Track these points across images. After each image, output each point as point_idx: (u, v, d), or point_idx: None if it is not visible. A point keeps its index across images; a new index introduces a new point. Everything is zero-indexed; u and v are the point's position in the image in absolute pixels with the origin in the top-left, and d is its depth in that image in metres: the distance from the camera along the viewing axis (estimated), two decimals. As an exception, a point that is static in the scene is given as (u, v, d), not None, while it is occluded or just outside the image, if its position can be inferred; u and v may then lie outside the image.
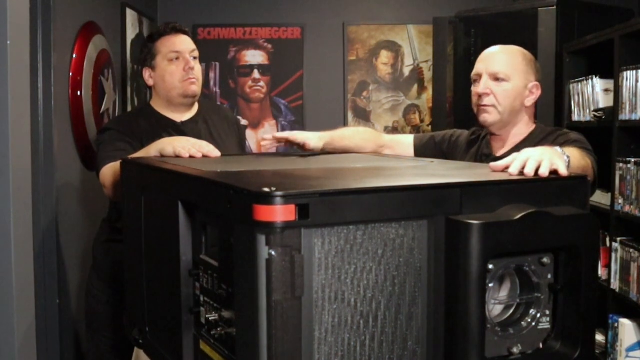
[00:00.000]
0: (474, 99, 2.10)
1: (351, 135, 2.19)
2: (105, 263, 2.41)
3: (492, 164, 1.42)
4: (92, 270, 2.50)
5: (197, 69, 2.35)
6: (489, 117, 2.06)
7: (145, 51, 2.37)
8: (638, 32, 3.06)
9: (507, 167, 1.37)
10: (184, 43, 2.34)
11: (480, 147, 2.16)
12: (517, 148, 1.97)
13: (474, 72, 2.11)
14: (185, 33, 2.37)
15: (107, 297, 2.41)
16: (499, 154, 2.07)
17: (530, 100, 2.08)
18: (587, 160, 1.78)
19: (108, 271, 2.40)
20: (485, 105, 2.06)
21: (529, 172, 1.32)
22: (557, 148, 1.56)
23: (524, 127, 2.10)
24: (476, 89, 2.09)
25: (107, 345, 2.44)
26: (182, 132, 2.28)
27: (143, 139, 2.23)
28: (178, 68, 2.30)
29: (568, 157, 1.55)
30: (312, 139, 2.05)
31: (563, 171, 1.33)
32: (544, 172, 1.32)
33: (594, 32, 3.46)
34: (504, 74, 2.04)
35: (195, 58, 2.35)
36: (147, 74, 2.37)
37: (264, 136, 2.05)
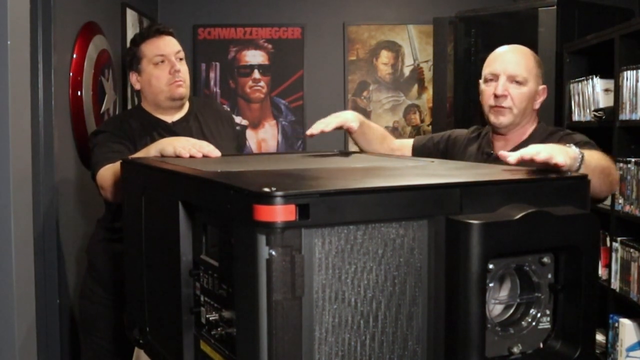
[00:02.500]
0: (488, 99, 2.08)
1: (376, 128, 2.27)
2: (99, 264, 2.40)
3: (503, 152, 1.45)
4: (87, 272, 2.49)
5: (184, 70, 2.33)
6: (504, 119, 2.06)
7: (130, 54, 2.35)
8: (638, 32, 3.06)
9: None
10: (168, 45, 2.32)
11: (481, 145, 2.16)
12: (520, 147, 1.96)
13: (489, 71, 2.09)
14: (169, 34, 2.35)
15: (101, 298, 2.39)
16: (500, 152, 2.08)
17: (538, 103, 2.10)
18: (608, 161, 1.78)
19: (102, 272, 2.38)
20: (501, 107, 2.05)
21: (532, 156, 1.38)
22: (571, 146, 1.56)
23: (526, 127, 2.11)
24: (490, 88, 2.07)
25: (101, 347, 2.42)
26: (173, 132, 2.27)
27: (135, 140, 2.23)
28: (163, 71, 2.29)
29: (582, 153, 1.55)
30: (352, 120, 2.08)
31: (562, 163, 1.38)
32: (542, 157, 1.38)
33: (594, 32, 3.46)
34: (522, 77, 2.04)
35: (180, 59, 2.33)
36: (133, 77, 2.36)
37: (307, 132, 2.00)
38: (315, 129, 1.99)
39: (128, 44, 3.15)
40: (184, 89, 2.32)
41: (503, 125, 2.07)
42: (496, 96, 2.05)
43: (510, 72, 2.04)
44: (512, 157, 1.42)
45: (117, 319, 2.34)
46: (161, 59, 2.29)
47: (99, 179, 2.12)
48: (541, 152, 1.40)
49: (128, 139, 2.23)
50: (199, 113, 2.40)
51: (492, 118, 2.08)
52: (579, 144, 1.87)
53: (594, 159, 1.65)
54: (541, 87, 2.10)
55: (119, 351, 2.37)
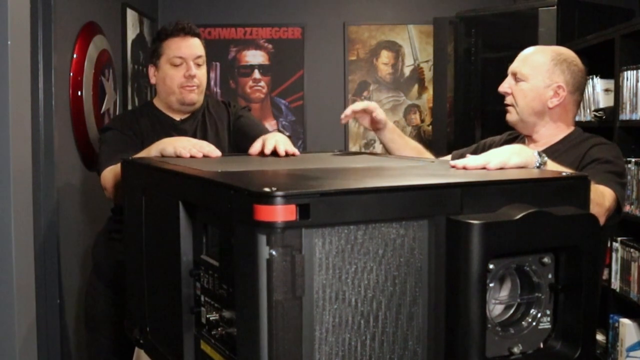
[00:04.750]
0: None
1: (409, 140, 2.25)
2: (105, 263, 2.41)
3: (453, 161, 1.47)
4: (92, 271, 2.49)
5: (200, 74, 2.31)
6: (509, 116, 2.09)
7: (153, 48, 2.35)
8: (638, 32, 3.06)
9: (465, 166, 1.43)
10: (189, 48, 2.30)
11: None
12: (550, 150, 1.94)
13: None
14: (195, 35, 2.33)
15: (106, 297, 2.40)
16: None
17: (554, 102, 2.02)
18: (602, 193, 1.75)
19: (108, 271, 2.39)
20: (506, 104, 2.08)
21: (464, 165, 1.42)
22: (535, 151, 1.56)
23: (553, 129, 2.05)
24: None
25: (107, 346, 2.43)
26: (180, 130, 2.27)
27: (144, 138, 2.22)
28: (179, 73, 2.28)
29: (542, 159, 1.55)
30: (376, 109, 2.09)
31: (496, 165, 1.41)
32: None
33: (594, 32, 3.46)
34: (522, 74, 2.03)
35: (199, 65, 2.31)
36: (151, 71, 2.35)
37: (346, 113, 2.09)
38: (346, 112, 2.08)
39: (130, 44, 3.13)
40: (196, 95, 2.31)
41: (510, 122, 2.09)
42: (502, 94, 2.10)
43: (513, 69, 2.07)
44: (451, 163, 1.47)
45: (121, 317, 2.35)
46: (179, 61, 2.28)
47: (103, 180, 2.12)
48: (476, 159, 1.44)
49: (136, 137, 2.22)
50: (206, 113, 2.39)
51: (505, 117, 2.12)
52: (595, 163, 1.87)
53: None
54: (555, 84, 2.01)
55: (126, 350, 2.37)
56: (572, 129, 2.08)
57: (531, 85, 2.03)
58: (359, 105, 2.08)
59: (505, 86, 2.07)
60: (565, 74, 2.03)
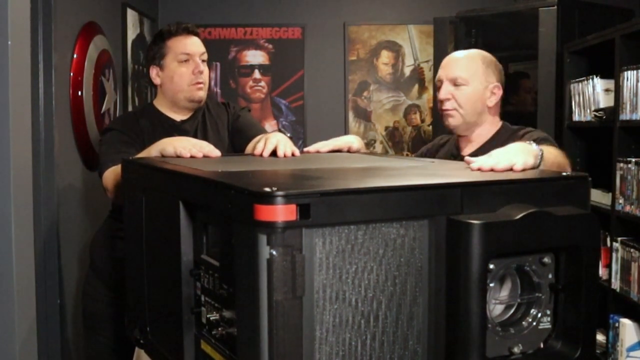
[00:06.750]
0: (438, 105, 2.20)
1: None
2: (102, 262, 2.40)
3: (468, 157, 1.48)
4: (90, 270, 2.48)
5: (206, 72, 2.33)
6: (452, 120, 2.16)
7: (155, 49, 2.34)
8: (638, 32, 3.06)
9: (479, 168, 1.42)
10: (195, 45, 2.32)
11: (449, 149, 2.26)
12: (484, 147, 2.06)
13: (437, 78, 2.22)
14: (196, 34, 2.35)
15: (104, 296, 2.39)
16: (465, 153, 2.14)
17: (492, 101, 2.16)
18: (565, 158, 1.83)
19: (106, 270, 2.39)
20: (447, 110, 2.15)
21: (491, 167, 1.41)
22: (532, 143, 1.60)
23: (488, 126, 2.18)
24: (439, 94, 2.18)
25: (105, 346, 2.42)
26: (181, 131, 2.27)
27: (145, 139, 2.22)
28: (188, 70, 2.28)
29: (541, 150, 1.59)
30: (353, 142, 2.10)
31: (521, 165, 1.41)
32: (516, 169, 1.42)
33: (595, 32, 3.46)
34: (462, 79, 2.13)
35: (204, 61, 2.33)
36: (154, 72, 2.34)
37: (308, 149, 2.02)
38: (312, 147, 2.03)
39: (130, 44, 3.12)
40: (204, 92, 2.32)
41: (452, 126, 2.17)
42: (442, 100, 2.17)
43: (451, 75, 2.15)
44: (473, 166, 1.45)
45: (119, 317, 2.34)
46: (186, 58, 2.29)
47: (104, 181, 2.13)
48: (500, 161, 1.43)
49: (137, 138, 2.22)
50: (207, 113, 2.39)
51: (444, 121, 2.19)
52: (537, 141, 1.95)
53: (552, 155, 1.72)
54: (492, 85, 2.15)
55: (124, 350, 2.37)
56: (500, 123, 2.21)
57: (473, 88, 2.13)
58: (328, 147, 2.03)
59: (445, 93, 2.15)
60: (495, 74, 2.17)
